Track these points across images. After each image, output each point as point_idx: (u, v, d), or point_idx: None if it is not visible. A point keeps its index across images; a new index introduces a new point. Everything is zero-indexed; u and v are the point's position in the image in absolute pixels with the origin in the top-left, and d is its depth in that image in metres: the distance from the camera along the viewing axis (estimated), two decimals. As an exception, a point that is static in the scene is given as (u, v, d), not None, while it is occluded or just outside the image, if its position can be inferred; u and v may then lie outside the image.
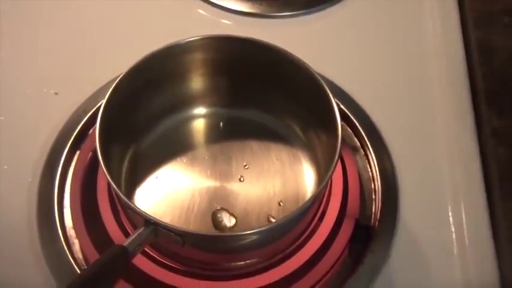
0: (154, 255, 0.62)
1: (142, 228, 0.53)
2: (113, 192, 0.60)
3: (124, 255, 0.52)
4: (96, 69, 0.77)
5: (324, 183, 0.56)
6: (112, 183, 0.54)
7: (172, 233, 0.53)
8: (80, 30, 0.82)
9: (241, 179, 0.67)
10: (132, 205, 0.53)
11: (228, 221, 0.64)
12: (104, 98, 0.60)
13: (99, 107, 0.59)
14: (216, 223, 0.64)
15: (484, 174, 0.71)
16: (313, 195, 0.56)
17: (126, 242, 0.52)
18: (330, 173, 0.56)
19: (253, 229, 0.53)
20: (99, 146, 0.56)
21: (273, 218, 0.64)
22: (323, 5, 0.85)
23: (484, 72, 0.78)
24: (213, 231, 0.61)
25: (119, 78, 0.60)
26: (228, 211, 0.65)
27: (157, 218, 0.59)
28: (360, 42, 0.83)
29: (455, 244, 0.66)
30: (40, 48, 0.80)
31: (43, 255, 0.63)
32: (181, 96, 0.69)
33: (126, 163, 0.66)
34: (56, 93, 0.75)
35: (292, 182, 0.67)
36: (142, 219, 0.54)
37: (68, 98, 0.74)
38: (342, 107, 0.74)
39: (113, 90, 0.60)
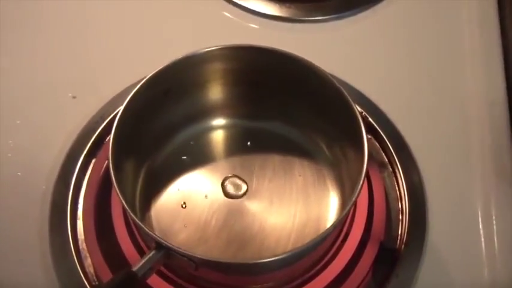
0: (170, 275, 0.59)
1: (153, 252, 0.51)
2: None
3: (133, 280, 0.49)
4: (117, 73, 0.75)
5: (348, 208, 0.53)
6: (123, 200, 0.52)
7: (185, 258, 0.50)
8: (100, 32, 0.79)
9: (262, 197, 0.63)
10: (144, 227, 0.51)
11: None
12: (122, 105, 0.57)
13: (116, 114, 0.57)
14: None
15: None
16: (334, 222, 0.53)
17: (136, 267, 0.50)
18: (354, 198, 0.53)
19: (268, 257, 0.50)
20: (112, 159, 0.54)
21: (293, 241, 0.60)
22: (354, 10, 0.81)
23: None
24: (226, 258, 0.58)
25: (136, 87, 0.58)
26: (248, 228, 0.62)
27: (172, 235, 0.58)
28: (392, 50, 0.79)
29: (486, 272, 0.63)
30: (59, 49, 0.78)
31: (53, 268, 0.61)
32: (200, 107, 0.66)
33: (142, 176, 0.64)
34: (73, 97, 0.73)
35: (314, 202, 0.63)
36: (154, 242, 0.51)
37: (85, 102, 0.72)
38: (370, 119, 0.70)
39: (129, 99, 0.57)
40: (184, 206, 0.63)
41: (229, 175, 0.65)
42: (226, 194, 0.64)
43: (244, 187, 0.64)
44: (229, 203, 0.63)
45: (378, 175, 0.67)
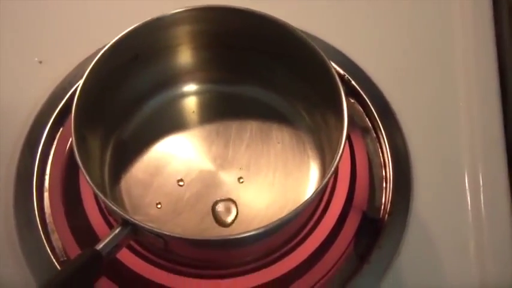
0: (141, 251, 0.56)
1: (119, 228, 0.48)
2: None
3: (97, 259, 0.46)
4: (85, 35, 0.71)
5: (327, 178, 0.50)
6: (85, 172, 0.49)
7: (153, 234, 0.47)
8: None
9: (239, 165, 0.60)
10: (108, 201, 0.48)
11: (227, 212, 0.58)
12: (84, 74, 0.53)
13: (82, 82, 0.53)
14: (216, 216, 0.58)
15: (510, 167, 0.63)
16: (313, 194, 0.49)
17: (100, 245, 0.47)
18: (334, 166, 0.50)
19: (241, 233, 0.47)
20: (75, 130, 0.51)
21: (270, 212, 0.58)
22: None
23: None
24: (194, 235, 0.55)
25: (100, 53, 0.54)
26: (228, 201, 0.59)
27: (143, 209, 0.55)
28: (378, 11, 0.74)
29: (472, 243, 0.60)
30: (24, 10, 0.73)
31: (18, 242, 0.58)
32: (170, 72, 0.63)
33: (110, 147, 0.60)
34: (40, 62, 0.69)
35: (294, 170, 0.60)
36: (120, 218, 0.48)
37: (52, 67, 0.68)
38: (353, 83, 0.67)
39: (92, 66, 0.54)
40: (156, 178, 0.59)
41: (204, 144, 0.61)
42: (201, 164, 0.60)
43: (221, 156, 0.61)
44: (204, 173, 0.60)
45: (361, 140, 0.64)
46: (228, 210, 0.58)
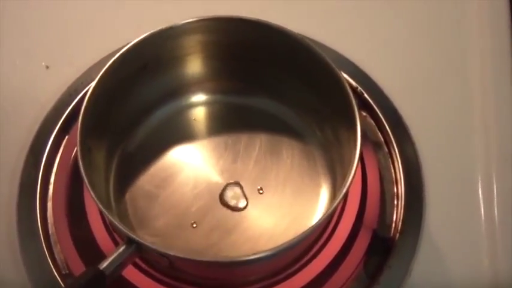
0: (146, 268, 0.55)
1: (123, 247, 0.47)
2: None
3: (101, 279, 0.45)
4: (93, 41, 0.69)
5: (338, 200, 0.48)
6: (89, 187, 0.47)
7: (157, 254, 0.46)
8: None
9: (247, 181, 0.59)
10: (113, 219, 0.46)
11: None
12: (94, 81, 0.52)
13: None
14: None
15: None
16: (321, 217, 0.48)
17: (103, 264, 0.46)
18: (346, 186, 0.48)
19: (246, 256, 0.46)
20: (80, 141, 0.50)
21: (277, 231, 0.56)
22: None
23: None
24: (200, 256, 0.53)
25: (109, 63, 0.53)
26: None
27: (149, 222, 0.54)
28: (391, 21, 0.73)
29: (486, 263, 0.58)
30: (32, 15, 0.72)
31: (20, 253, 0.57)
32: (179, 82, 0.61)
33: (116, 158, 0.59)
34: (47, 67, 0.68)
35: (303, 189, 0.59)
36: (124, 236, 0.46)
37: (59, 73, 0.67)
38: (365, 96, 0.65)
39: (101, 76, 0.53)
40: (162, 190, 0.58)
41: (212, 157, 0.60)
42: (209, 177, 0.59)
43: (229, 171, 0.59)
44: (211, 188, 0.58)
45: (373, 156, 0.62)
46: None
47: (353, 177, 0.48)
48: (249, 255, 0.45)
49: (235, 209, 0.57)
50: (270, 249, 0.45)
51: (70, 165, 0.61)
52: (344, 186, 0.48)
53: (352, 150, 0.50)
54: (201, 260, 0.46)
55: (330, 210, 0.47)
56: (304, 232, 0.46)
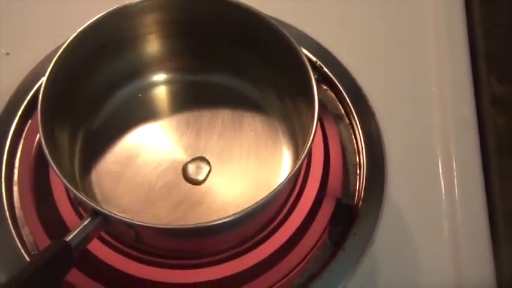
0: (113, 242, 0.56)
1: (89, 219, 0.47)
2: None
3: (67, 251, 0.45)
4: (54, 26, 0.69)
5: (299, 163, 0.49)
6: (52, 163, 0.47)
7: (123, 224, 0.46)
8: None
9: (212, 154, 0.59)
10: (76, 191, 0.47)
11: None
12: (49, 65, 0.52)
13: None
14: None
15: (482, 147, 0.63)
16: (286, 178, 0.49)
17: (69, 236, 0.46)
18: (307, 148, 0.49)
19: (212, 221, 0.46)
20: (42, 123, 0.50)
21: (244, 200, 0.57)
22: None
23: (485, 29, 0.69)
24: (163, 224, 0.54)
25: (65, 44, 0.53)
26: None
27: (115, 200, 0.54)
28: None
29: (447, 229, 0.60)
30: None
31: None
32: (139, 62, 0.61)
33: (80, 139, 0.59)
34: (7, 54, 0.68)
35: (267, 158, 0.60)
36: (90, 209, 0.47)
37: (20, 59, 0.67)
38: (325, 70, 0.66)
39: (58, 57, 0.52)
40: (127, 168, 0.59)
41: (175, 134, 0.61)
42: (173, 154, 0.59)
43: (193, 146, 0.60)
44: (176, 164, 0.59)
45: (334, 127, 0.64)
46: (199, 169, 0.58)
47: (313, 137, 0.49)
48: (214, 220, 0.46)
49: (199, 182, 0.58)
50: (236, 213, 0.46)
51: (34, 149, 0.61)
52: (305, 147, 0.49)
53: (311, 116, 0.51)
54: (166, 228, 0.47)
55: (293, 172, 0.48)
56: (270, 193, 0.47)
